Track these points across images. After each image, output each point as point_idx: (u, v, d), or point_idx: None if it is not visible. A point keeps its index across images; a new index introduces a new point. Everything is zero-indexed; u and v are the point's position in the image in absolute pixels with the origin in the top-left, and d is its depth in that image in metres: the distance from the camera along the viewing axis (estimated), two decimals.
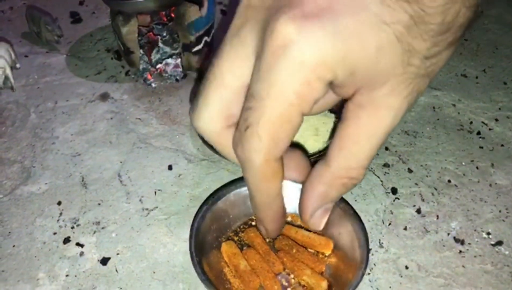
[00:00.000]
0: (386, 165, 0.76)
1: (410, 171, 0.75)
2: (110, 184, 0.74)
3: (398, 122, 0.30)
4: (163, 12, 0.91)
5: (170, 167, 0.76)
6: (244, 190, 0.68)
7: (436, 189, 0.73)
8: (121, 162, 0.77)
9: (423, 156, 0.78)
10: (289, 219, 0.68)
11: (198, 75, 0.94)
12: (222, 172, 0.76)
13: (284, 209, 0.38)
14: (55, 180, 0.75)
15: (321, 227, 0.37)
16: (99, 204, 0.72)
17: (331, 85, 0.28)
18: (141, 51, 0.93)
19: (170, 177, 0.75)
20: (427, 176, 0.75)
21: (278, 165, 0.32)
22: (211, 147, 0.76)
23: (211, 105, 0.32)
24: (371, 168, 0.75)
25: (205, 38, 0.93)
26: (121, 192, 0.73)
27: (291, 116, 0.28)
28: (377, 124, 0.29)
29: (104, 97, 0.90)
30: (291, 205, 0.69)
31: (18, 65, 0.97)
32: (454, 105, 0.86)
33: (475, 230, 0.67)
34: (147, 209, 0.70)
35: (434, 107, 0.86)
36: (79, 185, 0.74)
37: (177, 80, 0.93)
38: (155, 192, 0.73)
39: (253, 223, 0.68)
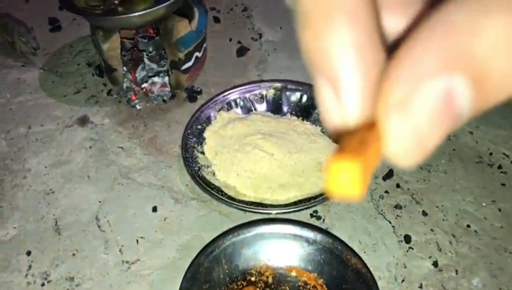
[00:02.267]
0: (398, 206, 0.68)
1: (424, 214, 0.67)
2: (86, 230, 0.66)
3: None
4: None
5: (154, 209, 0.68)
6: (241, 239, 0.60)
7: (454, 236, 0.65)
8: (99, 202, 0.69)
9: (438, 195, 0.69)
10: (293, 273, 0.60)
11: (188, 95, 0.84)
12: (214, 215, 0.67)
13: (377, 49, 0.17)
14: (24, 224, 0.67)
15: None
16: (73, 254, 0.63)
17: None
18: (125, 68, 0.84)
19: (154, 221, 0.66)
20: (443, 219, 0.66)
21: None
22: (200, 184, 0.67)
23: None
24: (381, 211, 0.67)
25: (196, 53, 0.84)
26: (99, 239, 0.64)
27: None
28: None
29: (83, 121, 0.81)
30: (296, 258, 0.61)
31: None
32: (471, 132, 0.78)
33: (500, 289, 0.59)
34: (127, 261, 0.62)
35: (449, 135, 0.77)
36: (51, 231, 0.66)
37: (164, 101, 0.84)
38: (137, 241, 0.64)
39: (252, 279, 0.60)
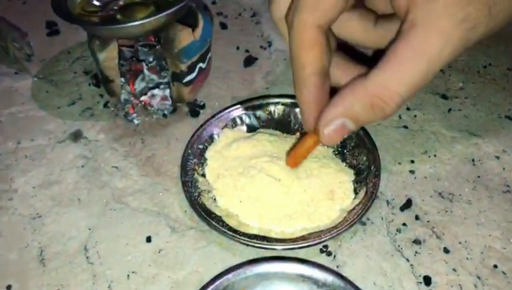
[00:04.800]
0: (416, 241, 0.61)
1: (446, 251, 0.60)
2: (73, 261, 0.60)
3: (447, 57, 0.30)
4: None
5: (148, 239, 0.62)
6: (240, 279, 0.54)
7: (479, 278, 0.58)
8: (89, 229, 0.63)
9: (461, 229, 0.63)
10: None
11: (190, 109, 0.78)
12: (213, 247, 0.61)
13: (322, 98, 0.39)
14: (7, 253, 0.61)
15: (331, 142, 0.39)
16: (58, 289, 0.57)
17: None
18: (123, 79, 0.78)
19: (148, 253, 0.61)
20: (467, 258, 0.60)
21: (317, 35, 0.35)
22: (199, 213, 0.61)
23: None
24: (399, 246, 0.61)
25: (200, 64, 0.78)
26: (87, 273, 0.59)
27: None
28: (425, 47, 0.30)
29: (77, 136, 0.75)
30: None
31: None
32: (497, 157, 0.71)
33: None
34: None
35: (473, 160, 0.71)
36: (36, 261, 0.60)
37: (164, 115, 0.78)
38: (128, 276, 0.58)
39: None
